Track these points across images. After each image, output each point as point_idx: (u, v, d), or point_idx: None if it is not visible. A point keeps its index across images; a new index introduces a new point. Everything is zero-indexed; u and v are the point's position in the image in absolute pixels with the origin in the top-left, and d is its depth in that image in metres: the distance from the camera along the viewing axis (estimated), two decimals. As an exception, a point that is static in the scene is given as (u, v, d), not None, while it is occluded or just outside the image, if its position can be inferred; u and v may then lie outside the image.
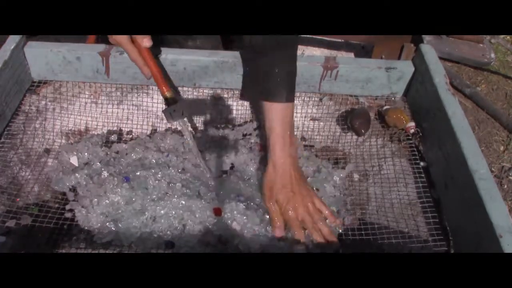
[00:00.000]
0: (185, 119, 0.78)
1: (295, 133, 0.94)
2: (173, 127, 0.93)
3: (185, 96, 0.92)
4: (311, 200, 0.76)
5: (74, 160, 0.84)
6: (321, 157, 0.90)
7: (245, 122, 0.94)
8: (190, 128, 0.78)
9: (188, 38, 0.98)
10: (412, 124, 0.87)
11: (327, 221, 0.76)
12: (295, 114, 0.94)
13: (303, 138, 0.94)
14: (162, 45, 0.87)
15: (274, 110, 0.77)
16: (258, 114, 0.93)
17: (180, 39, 0.98)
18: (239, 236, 0.74)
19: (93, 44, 0.90)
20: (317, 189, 0.83)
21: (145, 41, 0.74)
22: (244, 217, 0.75)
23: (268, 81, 0.77)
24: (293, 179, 0.76)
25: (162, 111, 0.76)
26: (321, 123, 0.94)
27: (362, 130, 0.88)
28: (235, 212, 0.76)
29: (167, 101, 0.76)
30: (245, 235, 0.74)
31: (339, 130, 0.93)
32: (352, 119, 0.89)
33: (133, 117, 0.93)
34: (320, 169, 0.85)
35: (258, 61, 0.78)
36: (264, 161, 0.83)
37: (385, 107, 0.90)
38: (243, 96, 0.90)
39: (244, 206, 0.76)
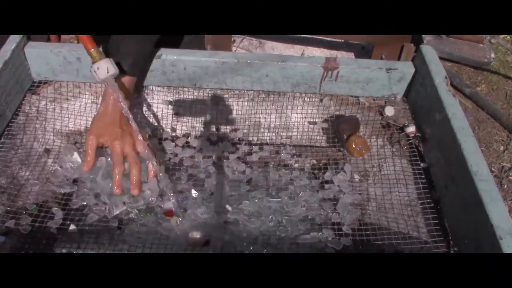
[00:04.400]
0: (112, 77, 0.75)
1: (296, 133, 0.94)
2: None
3: (184, 96, 0.92)
4: (137, 141, 0.78)
5: (77, 157, 0.84)
6: (321, 157, 0.90)
7: (245, 122, 0.94)
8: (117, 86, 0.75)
9: None
10: (413, 129, 0.87)
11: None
12: (295, 114, 0.94)
13: (303, 139, 0.94)
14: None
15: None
16: (258, 114, 0.94)
17: None
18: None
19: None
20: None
21: None
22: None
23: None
24: (122, 121, 0.78)
25: (90, 69, 0.75)
26: (322, 124, 0.94)
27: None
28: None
29: (92, 59, 0.74)
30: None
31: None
32: (340, 129, 0.88)
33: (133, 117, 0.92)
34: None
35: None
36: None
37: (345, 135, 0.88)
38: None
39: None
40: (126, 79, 0.80)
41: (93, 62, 0.74)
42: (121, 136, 0.77)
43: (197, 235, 0.75)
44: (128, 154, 0.77)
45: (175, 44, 0.97)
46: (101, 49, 0.76)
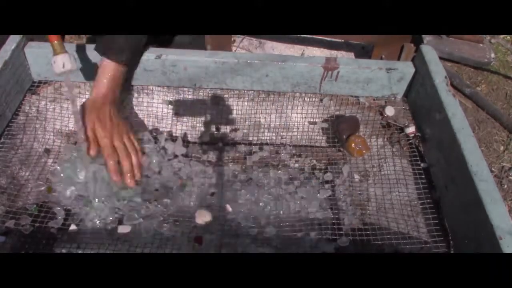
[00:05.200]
0: (68, 72, 0.73)
1: (295, 133, 0.94)
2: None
3: (184, 96, 0.92)
4: (127, 134, 0.78)
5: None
6: (321, 157, 0.90)
7: (245, 122, 0.94)
8: (72, 83, 0.75)
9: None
10: (413, 129, 0.87)
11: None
12: (295, 114, 0.94)
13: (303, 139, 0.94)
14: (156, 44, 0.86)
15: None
16: (258, 114, 0.94)
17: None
18: None
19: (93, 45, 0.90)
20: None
21: None
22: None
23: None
24: (111, 112, 0.77)
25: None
26: (322, 124, 0.94)
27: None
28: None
29: (53, 51, 0.73)
30: None
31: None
32: (339, 129, 0.88)
33: (133, 117, 0.93)
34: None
35: None
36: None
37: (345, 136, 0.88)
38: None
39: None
40: (117, 67, 0.79)
41: (54, 55, 0.73)
42: (110, 128, 0.76)
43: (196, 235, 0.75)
44: (118, 147, 0.75)
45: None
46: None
